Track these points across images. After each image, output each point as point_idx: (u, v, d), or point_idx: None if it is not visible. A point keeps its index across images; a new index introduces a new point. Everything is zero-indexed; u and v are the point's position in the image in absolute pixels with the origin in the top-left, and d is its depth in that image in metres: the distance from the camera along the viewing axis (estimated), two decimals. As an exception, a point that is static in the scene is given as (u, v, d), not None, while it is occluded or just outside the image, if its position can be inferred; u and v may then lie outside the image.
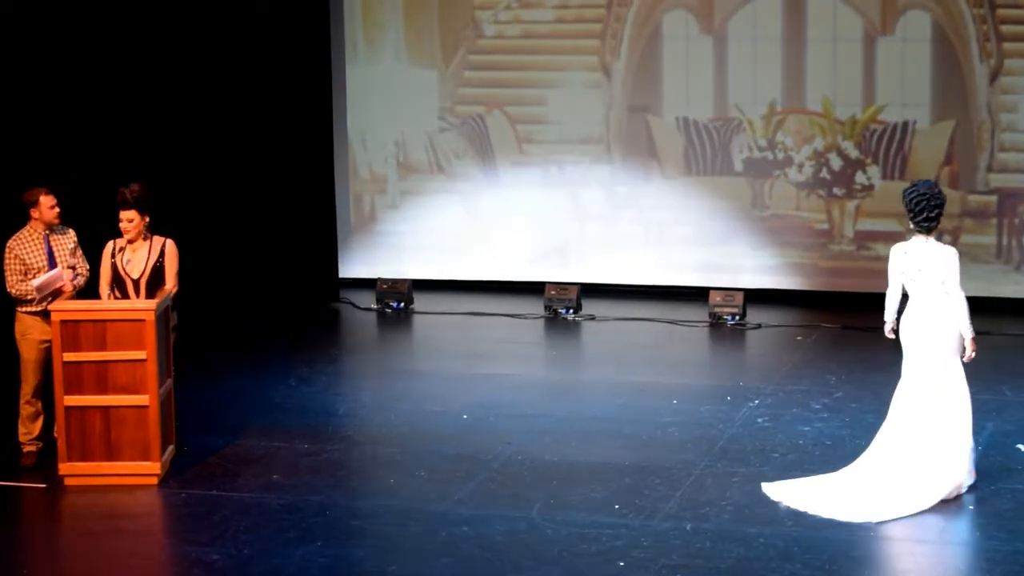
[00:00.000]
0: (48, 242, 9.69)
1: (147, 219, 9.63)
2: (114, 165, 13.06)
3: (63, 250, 9.76)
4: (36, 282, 9.54)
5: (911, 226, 8.94)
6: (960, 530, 8.42)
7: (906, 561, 8.06)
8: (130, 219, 9.54)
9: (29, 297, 9.55)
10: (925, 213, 8.87)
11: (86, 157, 13.21)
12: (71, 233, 9.83)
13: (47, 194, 9.66)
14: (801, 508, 8.71)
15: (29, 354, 9.68)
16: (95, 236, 10.00)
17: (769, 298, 14.04)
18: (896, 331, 9.18)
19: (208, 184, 14.61)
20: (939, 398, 8.88)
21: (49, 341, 9.43)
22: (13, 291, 9.58)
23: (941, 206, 8.95)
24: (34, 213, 9.65)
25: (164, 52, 14.23)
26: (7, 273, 9.61)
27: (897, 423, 8.97)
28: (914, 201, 8.89)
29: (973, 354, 8.91)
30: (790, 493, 8.90)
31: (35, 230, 9.67)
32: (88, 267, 9.90)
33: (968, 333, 8.87)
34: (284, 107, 14.86)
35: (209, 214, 14.51)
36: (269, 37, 14.77)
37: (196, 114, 14.51)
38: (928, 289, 8.92)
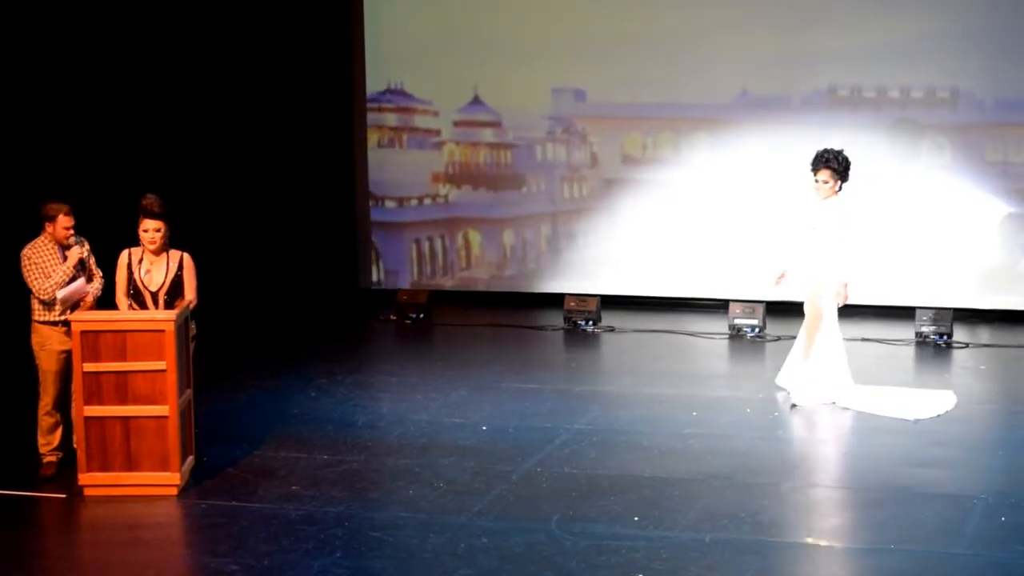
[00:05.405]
0: (63, 252, 9.66)
1: (168, 231, 9.60)
2: (132, 174, 13.11)
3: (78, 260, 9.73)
4: (61, 293, 9.53)
5: (839, 182, 10.58)
6: (985, 541, 8.39)
7: (924, 573, 8.02)
8: (157, 228, 9.50)
9: (53, 299, 9.51)
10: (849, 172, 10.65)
11: (103, 166, 13.25)
12: (84, 243, 9.77)
13: (67, 215, 9.60)
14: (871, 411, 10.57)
15: (49, 365, 9.66)
16: (107, 242, 9.99)
17: (789, 310, 14.00)
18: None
19: (227, 193, 14.66)
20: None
21: (67, 351, 9.42)
22: (43, 295, 9.53)
23: None
24: (48, 227, 9.63)
25: (184, 62, 14.27)
26: (30, 279, 9.57)
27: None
28: (847, 161, 10.59)
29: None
30: (859, 401, 10.74)
31: (49, 241, 9.65)
32: (102, 275, 9.89)
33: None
34: (305, 115, 14.90)
35: (228, 223, 14.55)
36: (290, 43, 14.80)
37: (217, 122, 14.55)
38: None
